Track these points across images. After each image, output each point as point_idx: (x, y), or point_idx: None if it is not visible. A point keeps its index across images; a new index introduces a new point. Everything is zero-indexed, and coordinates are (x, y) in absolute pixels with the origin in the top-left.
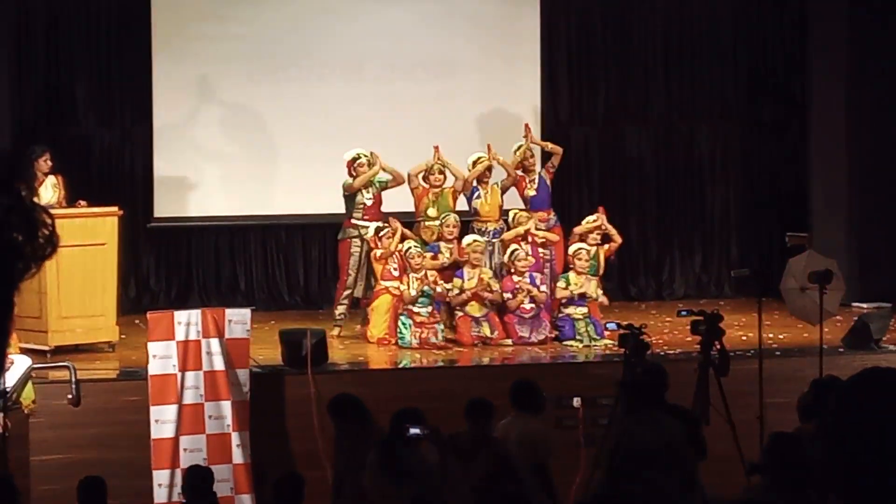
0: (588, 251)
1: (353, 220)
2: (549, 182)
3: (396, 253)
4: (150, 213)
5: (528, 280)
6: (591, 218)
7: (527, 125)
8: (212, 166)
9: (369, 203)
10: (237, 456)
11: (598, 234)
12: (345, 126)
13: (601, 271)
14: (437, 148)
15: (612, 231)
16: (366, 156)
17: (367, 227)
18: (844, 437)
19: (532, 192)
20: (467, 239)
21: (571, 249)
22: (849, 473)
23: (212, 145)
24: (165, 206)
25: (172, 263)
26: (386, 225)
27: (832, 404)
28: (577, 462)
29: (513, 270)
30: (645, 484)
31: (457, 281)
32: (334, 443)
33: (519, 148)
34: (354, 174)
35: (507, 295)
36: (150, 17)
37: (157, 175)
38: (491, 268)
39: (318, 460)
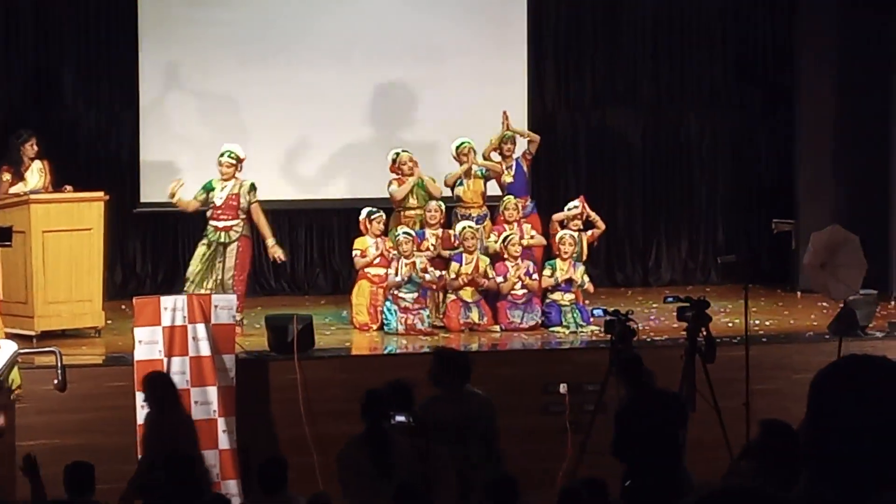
0: (573, 237)
1: (211, 221)
2: (526, 169)
3: (379, 238)
4: (136, 199)
5: (522, 266)
6: (571, 205)
7: (505, 112)
8: (198, 151)
9: (219, 202)
10: (223, 441)
11: (579, 220)
12: (332, 111)
13: (585, 257)
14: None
15: (596, 217)
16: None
17: (213, 228)
18: (822, 424)
19: (509, 179)
20: (459, 226)
21: (557, 237)
22: (826, 457)
23: (198, 130)
24: (152, 191)
25: (159, 249)
26: (377, 209)
27: (810, 391)
28: (564, 448)
29: (505, 256)
30: (442, 452)
31: (454, 265)
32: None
33: (501, 137)
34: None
35: (500, 278)
36: (137, 2)
37: (143, 160)
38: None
39: (304, 446)
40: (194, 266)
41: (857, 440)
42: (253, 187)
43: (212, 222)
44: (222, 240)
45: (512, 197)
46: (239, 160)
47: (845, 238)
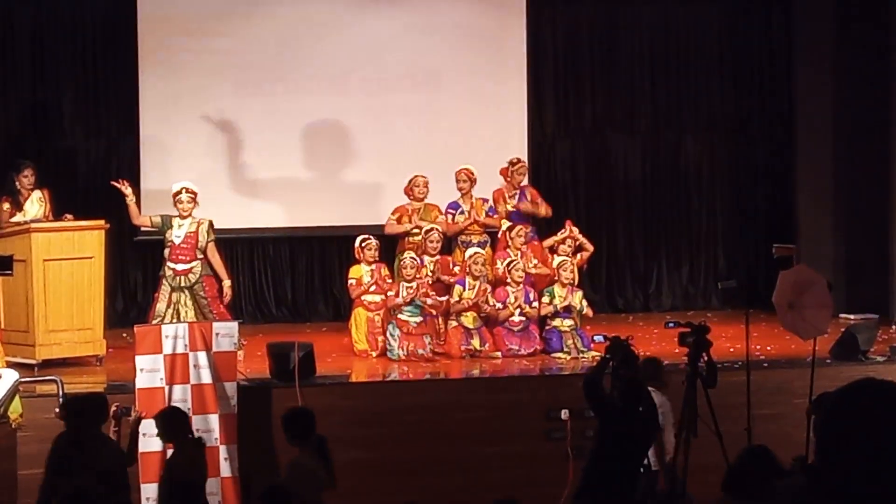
0: (572, 262)
1: (169, 262)
2: (529, 198)
3: (374, 266)
4: (136, 227)
5: (522, 293)
6: (560, 235)
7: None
8: (198, 180)
9: (177, 241)
10: (225, 469)
11: (569, 245)
12: (331, 138)
13: (576, 281)
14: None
15: (584, 240)
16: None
17: (171, 272)
18: (834, 448)
19: (510, 207)
20: (469, 251)
21: (556, 262)
22: (839, 482)
23: (198, 158)
24: None
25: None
26: (368, 236)
27: (822, 416)
28: (566, 474)
29: (508, 281)
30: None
31: (458, 289)
32: None
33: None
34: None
35: (498, 304)
36: (136, 31)
37: (143, 188)
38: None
39: None
40: (162, 305)
41: (866, 464)
42: (211, 226)
43: (169, 264)
44: (183, 284)
45: (521, 226)
46: (196, 195)
47: (812, 279)
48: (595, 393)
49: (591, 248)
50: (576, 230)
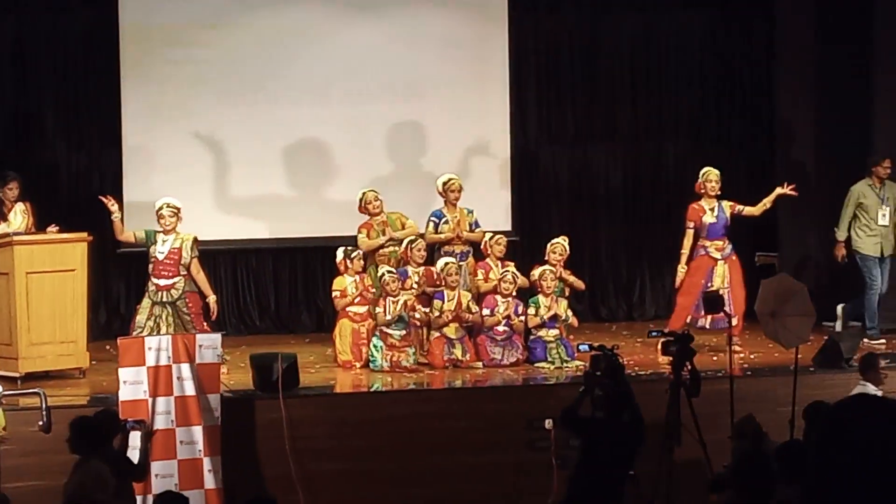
0: (554, 272)
1: (152, 278)
2: (728, 214)
3: (357, 277)
4: (121, 241)
5: (512, 305)
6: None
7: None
8: (180, 191)
9: (161, 257)
10: (209, 481)
11: (559, 256)
12: (313, 148)
13: (568, 292)
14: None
15: (572, 279)
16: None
17: (154, 287)
18: (831, 462)
19: (712, 220)
20: (440, 262)
21: (536, 273)
22: (834, 495)
23: (180, 170)
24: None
25: (142, 289)
26: (354, 248)
27: (819, 429)
28: (550, 484)
29: (498, 291)
30: None
31: (437, 303)
32: None
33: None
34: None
35: (486, 311)
36: (118, 42)
37: (126, 200)
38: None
39: (290, 484)
40: (142, 316)
41: (860, 480)
42: (195, 242)
43: (153, 279)
44: (165, 299)
45: (503, 235)
46: (178, 210)
47: (794, 287)
48: (572, 422)
49: (581, 286)
50: (564, 273)
